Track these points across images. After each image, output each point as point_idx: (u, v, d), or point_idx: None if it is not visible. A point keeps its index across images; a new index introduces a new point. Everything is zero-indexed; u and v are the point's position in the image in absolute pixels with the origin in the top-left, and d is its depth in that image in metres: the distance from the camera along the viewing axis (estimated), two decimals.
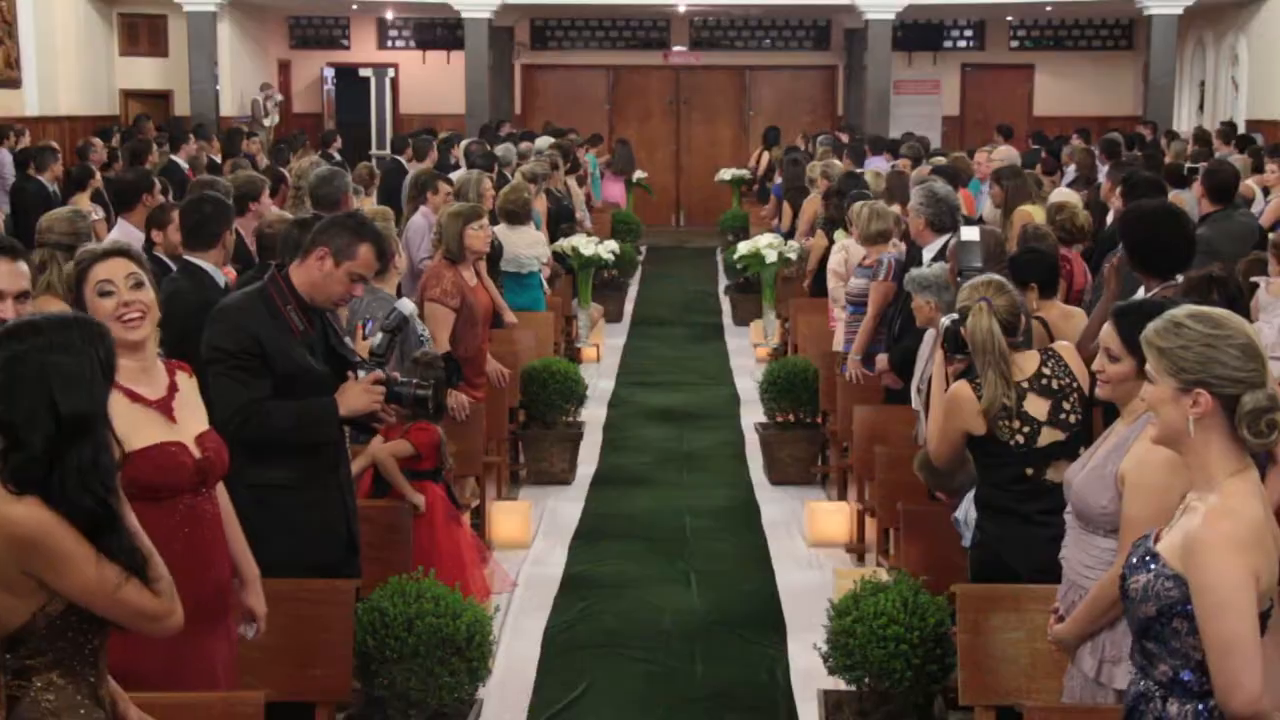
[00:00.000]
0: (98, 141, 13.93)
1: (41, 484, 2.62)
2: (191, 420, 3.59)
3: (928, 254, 6.62)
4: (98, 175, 11.47)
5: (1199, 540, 2.70)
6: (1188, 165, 10.79)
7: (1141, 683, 2.85)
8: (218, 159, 14.07)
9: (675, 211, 22.65)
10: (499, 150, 13.02)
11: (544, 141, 15.64)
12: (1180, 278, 5.02)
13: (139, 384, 3.50)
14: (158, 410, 3.51)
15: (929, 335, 5.63)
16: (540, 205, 11.45)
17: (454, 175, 11.77)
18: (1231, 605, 2.64)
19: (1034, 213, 8.05)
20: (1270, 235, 6.82)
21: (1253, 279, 5.60)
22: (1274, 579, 2.75)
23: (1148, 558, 2.82)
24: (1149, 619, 2.78)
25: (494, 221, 8.95)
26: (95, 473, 2.65)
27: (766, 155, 18.29)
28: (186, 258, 5.43)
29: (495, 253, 8.75)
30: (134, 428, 3.42)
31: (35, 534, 2.61)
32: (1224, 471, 2.77)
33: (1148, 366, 2.88)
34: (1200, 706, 2.75)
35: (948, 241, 6.62)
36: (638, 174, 19.32)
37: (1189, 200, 8.94)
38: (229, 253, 5.57)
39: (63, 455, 2.62)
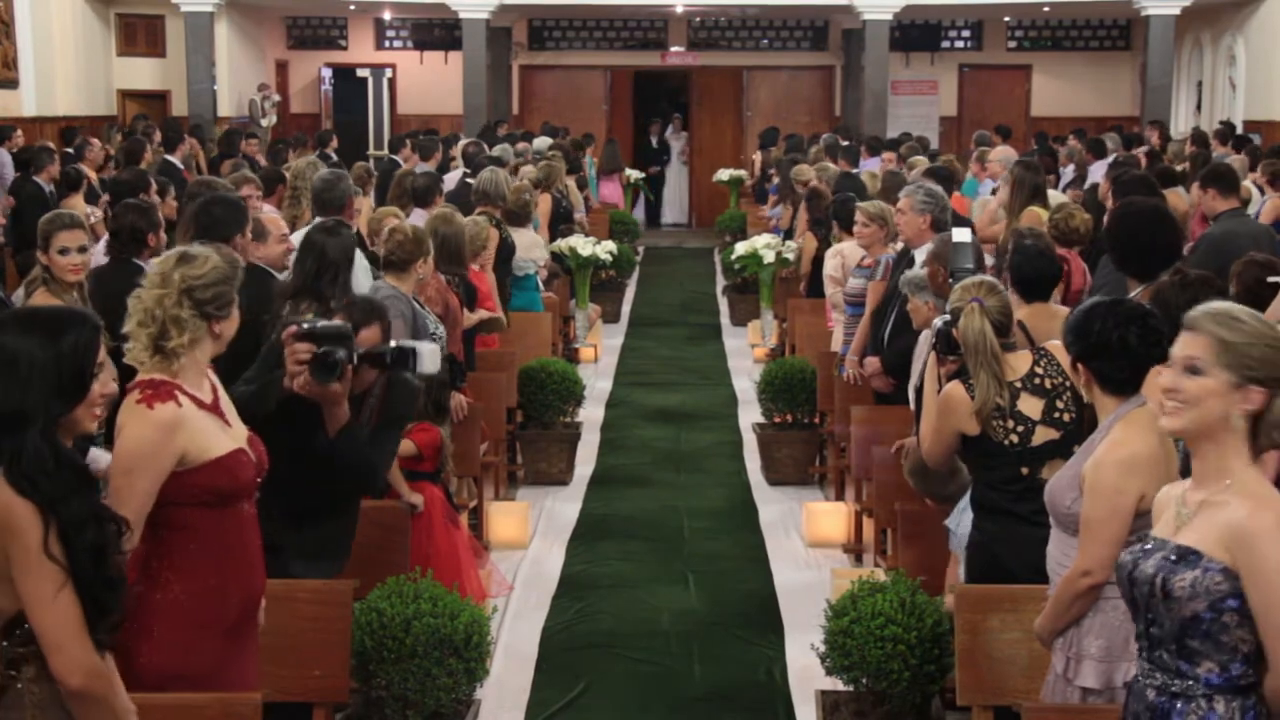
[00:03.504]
0: (95, 141, 13.94)
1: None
2: (237, 422, 3.59)
3: (920, 255, 6.51)
4: (92, 175, 11.48)
5: (1251, 532, 2.72)
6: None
7: (1177, 683, 2.83)
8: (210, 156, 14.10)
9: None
10: (496, 151, 13.04)
11: (542, 142, 15.65)
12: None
13: (198, 388, 3.48)
14: (213, 414, 3.49)
15: (924, 336, 5.63)
16: (545, 207, 11.48)
17: (455, 176, 11.81)
18: None
19: (1042, 214, 8.00)
20: None
21: (1270, 280, 5.52)
22: None
23: (1189, 555, 2.80)
24: (1195, 616, 2.78)
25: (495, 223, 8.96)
26: (20, 465, 2.68)
27: (762, 155, 18.31)
28: None
29: (508, 250, 8.75)
30: (210, 435, 3.42)
31: (18, 522, 2.66)
32: (1240, 463, 2.81)
33: (1190, 355, 2.83)
34: (1248, 702, 2.77)
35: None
36: (635, 175, 19.31)
37: (1186, 199, 8.95)
38: (243, 255, 5.53)
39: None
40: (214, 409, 3.49)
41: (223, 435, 3.47)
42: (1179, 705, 2.83)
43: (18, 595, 2.70)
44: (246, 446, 3.53)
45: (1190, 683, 2.81)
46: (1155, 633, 2.86)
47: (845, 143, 15.11)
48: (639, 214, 20.10)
